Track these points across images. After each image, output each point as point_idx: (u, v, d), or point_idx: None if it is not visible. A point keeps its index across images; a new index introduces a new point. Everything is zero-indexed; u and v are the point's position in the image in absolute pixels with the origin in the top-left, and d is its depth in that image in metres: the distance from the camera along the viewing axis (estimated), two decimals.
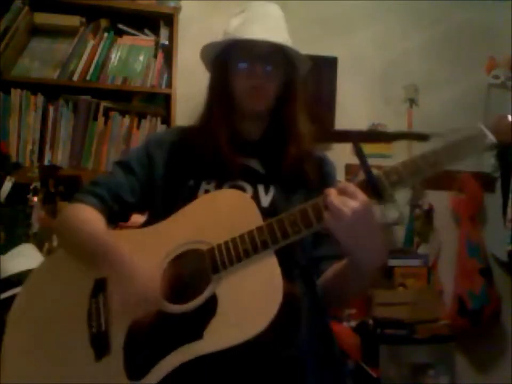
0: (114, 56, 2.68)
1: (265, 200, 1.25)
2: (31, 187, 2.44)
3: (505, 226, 3.11)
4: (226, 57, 1.31)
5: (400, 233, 3.14)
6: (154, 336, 1.09)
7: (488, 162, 3.27)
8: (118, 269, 1.13)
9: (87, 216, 1.25)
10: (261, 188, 1.27)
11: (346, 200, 1.04)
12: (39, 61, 2.60)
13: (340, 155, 3.12)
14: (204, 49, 1.34)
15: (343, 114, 3.09)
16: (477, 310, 3.03)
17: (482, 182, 3.22)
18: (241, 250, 1.09)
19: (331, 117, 3.06)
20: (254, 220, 1.12)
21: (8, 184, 2.41)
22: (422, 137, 3.05)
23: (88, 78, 2.62)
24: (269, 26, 1.30)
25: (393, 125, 3.23)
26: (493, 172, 3.23)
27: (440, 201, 3.18)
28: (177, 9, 2.74)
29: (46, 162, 2.58)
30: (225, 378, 1.08)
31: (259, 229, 1.10)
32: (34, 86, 2.58)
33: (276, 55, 1.29)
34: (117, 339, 1.11)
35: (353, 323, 2.82)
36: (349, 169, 3.13)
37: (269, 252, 1.09)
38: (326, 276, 1.26)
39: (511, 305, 3.19)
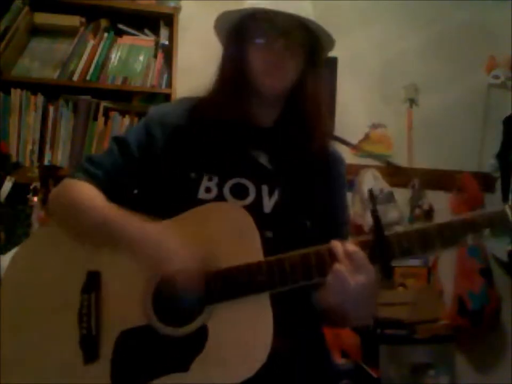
0: (114, 56, 2.68)
1: (268, 204, 1.18)
2: (31, 187, 2.44)
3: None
4: (243, 30, 1.20)
5: None
6: (142, 353, 1.06)
7: (488, 162, 3.28)
8: (137, 233, 1.07)
9: (88, 190, 1.17)
10: (265, 189, 1.19)
11: (354, 273, 1.01)
12: (39, 61, 2.60)
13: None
14: (219, 18, 1.23)
15: (343, 114, 3.09)
16: (477, 310, 3.03)
17: (482, 182, 3.22)
18: (238, 287, 1.05)
19: (331, 117, 3.06)
20: (253, 248, 1.07)
21: (8, 184, 2.41)
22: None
23: (88, 78, 2.62)
24: None
25: (393, 125, 3.23)
26: (493, 172, 3.23)
27: (440, 201, 3.18)
28: (177, 9, 2.74)
29: (46, 162, 2.58)
30: None
31: (258, 266, 1.05)
32: (34, 86, 2.58)
33: (298, 31, 1.17)
34: (107, 344, 1.08)
35: None
36: (348, 169, 3.13)
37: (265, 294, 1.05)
38: (319, 302, 1.19)
39: (511, 305, 3.19)
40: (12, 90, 2.56)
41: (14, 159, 2.52)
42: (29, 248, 1.22)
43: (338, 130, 3.09)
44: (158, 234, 1.07)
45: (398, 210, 2.98)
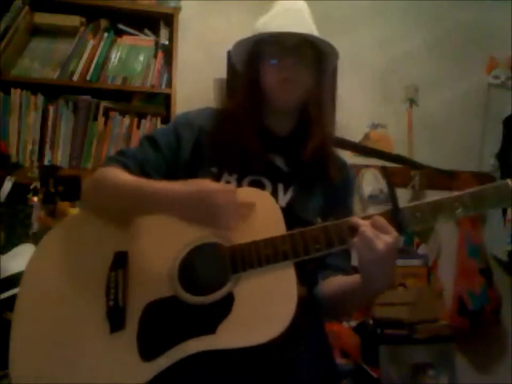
0: (114, 56, 2.68)
1: (283, 200, 1.27)
2: (31, 187, 2.44)
3: (505, 226, 3.11)
4: (257, 55, 1.32)
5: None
6: (168, 321, 1.11)
7: (488, 162, 3.28)
8: (181, 193, 1.13)
9: (124, 173, 1.23)
10: (280, 187, 1.28)
11: (379, 233, 1.08)
12: (39, 61, 2.60)
13: (340, 155, 3.13)
14: (234, 48, 1.35)
15: (343, 114, 3.08)
16: (477, 310, 3.04)
17: (482, 182, 3.21)
18: (263, 256, 1.11)
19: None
20: (277, 225, 1.15)
21: (8, 184, 2.41)
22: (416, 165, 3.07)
23: (88, 78, 2.62)
24: (295, 18, 1.31)
25: (393, 125, 3.23)
26: (493, 172, 3.24)
27: None
28: (177, 9, 2.74)
29: (46, 162, 2.58)
30: (223, 373, 1.10)
31: (282, 238, 1.12)
32: (34, 86, 2.58)
33: (305, 48, 1.29)
34: (133, 316, 1.13)
35: (353, 323, 2.82)
36: None
37: (288, 262, 1.11)
38: (330, 287, 1.27)
39: (511, 305, 3.20)
40: (12, 90, 2.56)
41: (14, 159, 2.52)
42: (58, 234, 1.27)
43: (338, 130, 3.10)
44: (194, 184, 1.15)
45: None
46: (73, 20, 2.64)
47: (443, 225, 3.21)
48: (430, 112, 3.25)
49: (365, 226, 1.09)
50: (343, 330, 2.72)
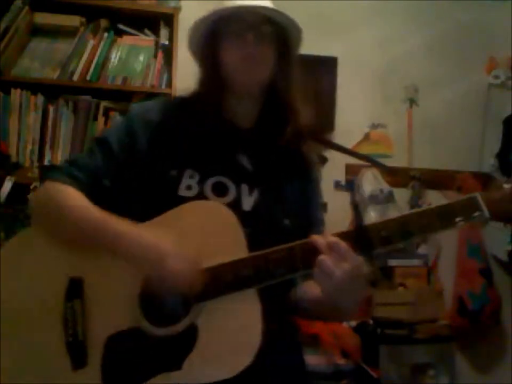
0: (114, 56, 2.68)
1: (248, 203, 1.19)
2: (31, 187, 2.43)
3: (505, 226, 3.11)
4: (215, 36, 1.24)
5: None
6: (132, 356, 1.06)
7: (488, 162, 3.28)
8: (133, 238, 1.06)
9: (74, 195, 1.14)
10: (244, 188, 1.20)
11: (338, 262, 1.02)
12: (39, 61, 2.60)
13: (340, 155, 3.12)
14: (192, 32, 1.29)
15: (343, 114, 3.09)
16: (477, 310, 3.03)
17: (482, 182, 3.22)
18: (224, 284, 1.05)
19: (331, 117, 3.06)
20: (237, 243, 1.08)
21: (8, 184, 2.41)
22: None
23: (88, 78, 2.62)
24: None
25: (393, 125, 3.23)
26: (493, 172, 3.23)
27: (440, 201, 3.16)
28: (177, 9, 2.74)
29: (46, 162, 2.57)
30: None
31: (243, 262, 1.06)
32: (34, 86, 2.58)
33: (266, 25, 1.22)
34: (95, 351, 1.07)
35: (353, 323, 2.82)
36: (348, 169, 3.14)
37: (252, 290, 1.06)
38: (302, 295, 1.21)
39: (511, 305, 3.19)
40: (12, 90, 2.56)
41: (14, 159, 2.52)
42: (9, 253, 1.17)
43: (339, 130, 3.10)
44: (153, 238, 1.07)
45: (398, 210, 2.98)
46: (73, 20, 2.64)
47: None
48: (430, 112, 3.25)
49: (324, 252, 1.03)
50: (343, 330, 2.72)
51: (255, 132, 1.26)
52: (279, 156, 1.25)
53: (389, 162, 3.16)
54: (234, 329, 1.05)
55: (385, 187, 3.06)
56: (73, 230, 1.12)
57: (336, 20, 3.16)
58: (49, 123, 2.61)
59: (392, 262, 2.98)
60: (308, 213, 1.29)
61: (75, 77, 2.60)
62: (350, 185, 3.12)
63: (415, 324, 2.81)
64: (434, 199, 3.18)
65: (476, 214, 1.05)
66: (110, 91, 2.67)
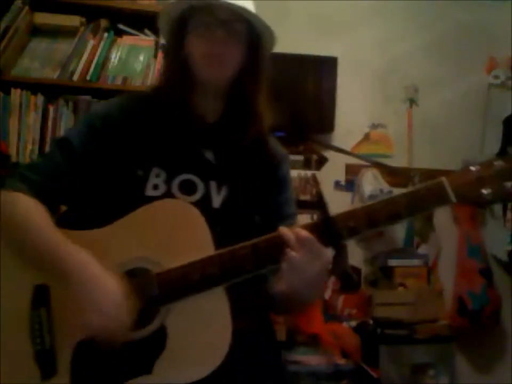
0: (114, 56, 2.68)
1: (217, 200, 1.18)
2: None
3: (505, 227, 3.11)
4: (184, 23, 1.21)
5: (400, 233, 3.14)
6: (102, 361, 1.04)
7: None
8: (77, 283, 1.03)
9: (30, 210, 1.10)
10: (213, 185, 1.19)
11: (309, 259, 1.02)
12: (39, 61, 2.60)
13: (340, 155, 3.13)
14: (161, 15, 1.26)
15: (343, 114, 3.09)
16: (477, 310, 3.03)
17: None
18: (191, 284, 1.04)
19: (331, 117, 3.06)
20: (204, 242, 1.07)
21: None
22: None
23: (88, 78, 2.61)
24: None
25: (393, 125, 3.23)
26: None
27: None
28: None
29: None
30: None
31: (210, 260, 1.06)
32: (34, 86, 2.58)
33: (238, 23, 1.19)
34: (64, 359, 1.05)
35: (353, 323, 2.82)
36: (348, 169, 3.14)
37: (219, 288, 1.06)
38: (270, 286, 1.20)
39: (511, 305, 3.19)
40: (12, 90, 2.56)
41: (14, 159, 2.52)
42: None
43: (339, 130, 3.10)
44: (94, 279, 1.03)
45: None
46: (73, 20, 2.63)
47: (443, 225, 3.21)
48: (430, 112, 3.25)
49: (292, 249, 1.02)
50: (343, 330, 2.72)
51: (221, 127, 1.24)
52: (244, 152, 1.23)
53: (389, 162, 3.17)
54: (203, 329, 1.04)
55: (385, 187, 3.05)
56: (28, 251, 1.09)
57: (336, 20, 3.16)
58: (49, 123, 2.60)
59: (392, 262, 2.98)
60: (278, 209, 1.28)
61: (75, 77, 2.60)
62: (350, 185, 3.12)
63: (415, 324, 2.81)
64: None
65: (443, 198, 1.05)
66: (110, 91, 2.66)
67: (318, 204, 1.08)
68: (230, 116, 1.24)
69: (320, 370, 2.57)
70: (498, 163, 1.05)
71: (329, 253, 1.04)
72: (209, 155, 1.21)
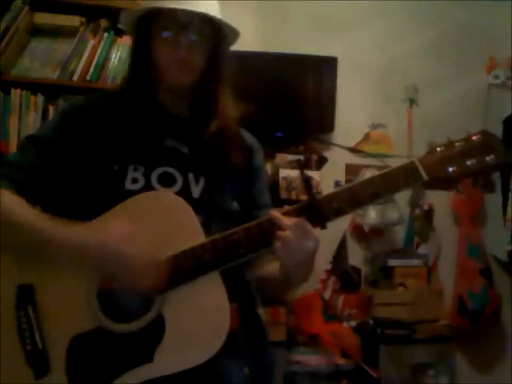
0: (114, 56, 2.68)
1: (196, 190, 1.19)
2: None
3: (505, 226, 3.11)
4: (148, 23, 1.21)
5: (400, 233, 3.14)
6: (99, 355, 1.05)
7: None
8: (83, 244, 1.03)
9: (15, 203, 1.10)
10: (191, 177, 1.20)
11: (302, 239, 1.06)
12: (39, 61, 2.60)
13: (340, 155, 3.13)
14: (123, 15, 1.25)
15: (343, 114, 3.09)
16: (477, 310, 3.03)
17: (482, 182, 3.21)
18: (186, 270, 1.06)
19: (331, 117, 3.06)
20: (194, 229, 1.09)
21: None
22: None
23: (88, 78, 2.61)
24: None
25: (393, 125, 3.23)
26: None
27: (440, 201, 3.18)
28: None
29: None
30: None
31: (203, 246, 1.07)
32: (34, 86, 2.58)
33: (201, 25, 1.20)
34: (57, 356, 1.05)
35: (353, 323, 2.82)
36: (348, 169, 3.14)
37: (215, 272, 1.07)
38: (257, 272, 1.24)
39: (511, 305, 3.19)
40: (12, 90, 2.56)
41: None
42: None
43: (339, 130, 3.10)
44: (103, 236, 1.05)
45: (398, 210, 2.98)
46: (73, 20, 2.63)
47: (443, 225, 3.21)
48: (430, 112, 3.25)
49: (288, 230, 1.06)
50: (343, 330, 2.73)
51: (191, 122, 1.26)
52: (213, 144, 1.25)
53: (389, 162, 3.17)
54: (201, 313, 1.05)
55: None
56: (20, 241, 1.09)
57: (336, 20, 3.16)
58: None
59: (392, 262, 2.98)
60: (253, 198, 1.30)
61: (75, 77, 2.60)
62: None
63: (415, 324, 2.81)
64: (435, 199, 3.18)
65: (416, 177, 1.13)
66: None
67: (305, 187, 1.14)
68: (197, 111, 1.27)
69: (320, 370, 2.57)
70: (459, 143, 1.14)
71: (316, 234, 1.09)
72: (184, 148, 1.23)
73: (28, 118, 2.57)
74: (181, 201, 1.10)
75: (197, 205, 1.12)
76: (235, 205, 1.23)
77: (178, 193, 1.15)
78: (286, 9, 3.01)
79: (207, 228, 1.11)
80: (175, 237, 1.08)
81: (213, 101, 1.25)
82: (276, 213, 1.09)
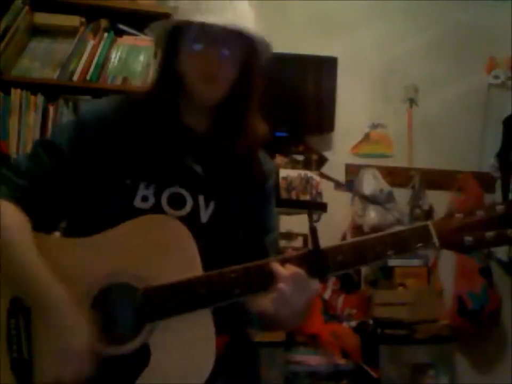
0: (114, 56, 2.68)
1: (205, 215, 1.17)
2: None
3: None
4: (177, 35, 1.16)
5: None
6: None
7: (488, 162, 3.28)
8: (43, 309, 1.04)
9: (9, 222, 1.07)
10: (201, 200, 1.17)
11: (298, 292, 1.04)
12: (39, 61, 2.60)
13: (340, 155, 3.13)
14: (154, 26, 1.22)
15: (343, 114, 3.09)
16: (477, 310, 3.04)
17: (482, 182, 3.22)
18: (178, 303, 1.04)
19: (331, 117, 3.06)
20: (191, 260, 1.07)
21: None
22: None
23: (88, 78, 2.61)
24: (226, 7, 1.14)
25: (393, 125, 3.23)
26: (493, 172, 3.23)
27: (440, 201, 3.18)
28: (177, 9, 2.73)
29: None
30: None
31: (199, 280, 1.05)
32: (34, 86, 2.58)
33: (233, 38, 1.13)
34: (42, 370, 1.03)
35: (353, 323, 2.82)
36: (348, 169, 3.14)
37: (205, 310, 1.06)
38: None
39: (511, 305, 3.20)
40: (12, 90, 2.55)
41: None
42: None
43: (339, 130, 3.11)
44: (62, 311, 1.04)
45: (398, 211, 2.98)
46: (73, 20, 2.63)
47: None
48: (430, 112, 3.26)
49: (283, 281, 1.03)
50: (343, 330, 2.72)
51: (210, 140, 1.21)
52: (232, 165, 1.21)
53: (389, 162, 3.17)
54: (186, 350, 1.04)
55: (385, 187, 3.06)
56: (7, 273, 1.08)
57: (336, 20, 3.16)
58: (49, 123, 2.60)
59: (392, 262, 2.98)
60: (262, 222, 1.27)
61: (75, 77, 2.60)
62: (350, 185, 3.12)
63: (415, 324, 2.81)
64: (435, 199, 3.18)
65: (428, 242, 1.07)
66: (110, 91, 2.66)
67: (311, 236, 1.08)
68: (220, 129, 1.21)
69: (320, 370, 2.57)
70: (480, 212, 1.07)
71: (316, 283, 1.06)
72: (197, 168, 1.19)
73: (28, 118, 2.57)
74: (185, 231, 1.08)
75: (203, 230, 1.12)
76: (241, 231, 1.21)
77: (187, 216, 1.14)
78: (286, 9, 3.01)
79: (208, 253, 1.09)
80: (172, 266, 1.07)
81: (240, 119, 1.20)
82: (275, 264, 1.06)
